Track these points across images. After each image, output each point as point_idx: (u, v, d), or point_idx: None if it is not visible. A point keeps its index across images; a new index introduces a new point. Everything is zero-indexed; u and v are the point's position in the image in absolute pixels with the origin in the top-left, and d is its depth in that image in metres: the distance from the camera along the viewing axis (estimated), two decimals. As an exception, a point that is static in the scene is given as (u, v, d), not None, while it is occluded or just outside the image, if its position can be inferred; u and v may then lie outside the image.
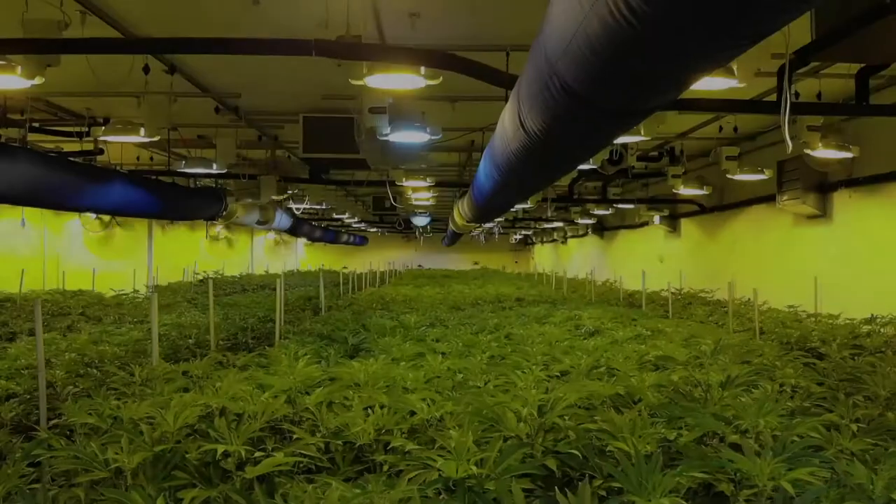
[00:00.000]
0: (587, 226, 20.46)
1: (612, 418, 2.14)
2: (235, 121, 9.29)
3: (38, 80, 4.64)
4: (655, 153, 11.94)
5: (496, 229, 26.04)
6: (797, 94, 7.58)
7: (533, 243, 34.78)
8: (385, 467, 2.12)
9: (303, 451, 2.08)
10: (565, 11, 1.80)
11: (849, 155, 7.46)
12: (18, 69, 4.51)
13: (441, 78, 4.55)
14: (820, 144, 7.29)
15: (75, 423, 2.54)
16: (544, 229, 26.38)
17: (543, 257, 32.14)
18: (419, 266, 29.13)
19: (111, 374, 3.99)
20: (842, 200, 9.15)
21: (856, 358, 4.12)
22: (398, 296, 10.50)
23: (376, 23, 5.80)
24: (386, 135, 6.23)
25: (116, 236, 17.71)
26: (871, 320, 5.96)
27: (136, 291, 11.55)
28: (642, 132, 6.18)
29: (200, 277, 15.08)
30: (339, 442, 2.29)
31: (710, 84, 4.31)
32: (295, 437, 2.23)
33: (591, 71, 1.89)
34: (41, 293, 11.31)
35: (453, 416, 2.37)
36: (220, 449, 1.96)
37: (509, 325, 6.00)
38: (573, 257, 25.70)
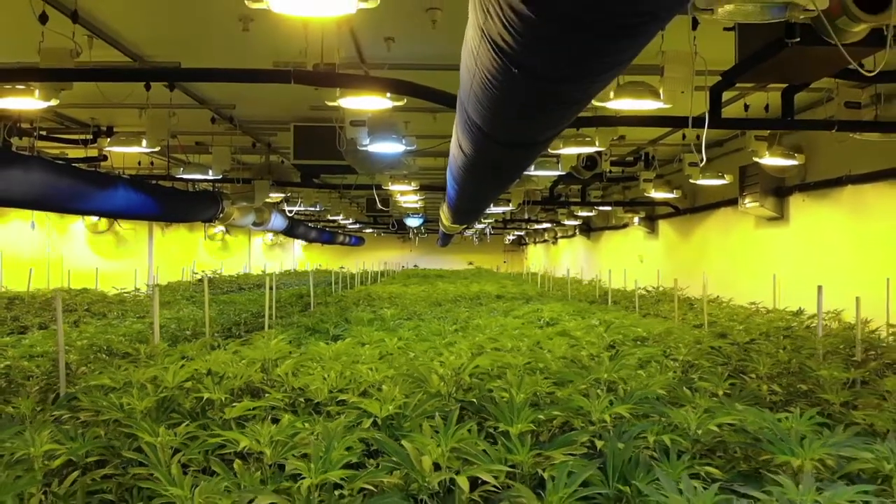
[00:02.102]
0: (574, 227, 21.11)
1: (509, 379, 2.79)
2: (231, 129, 9.93)
3: (53, 102, 5.28)
4: (631, 158, 12.58)
5: (488, 230, 26.67)
6: (746, 107, 8.25)
7: (526, 244, 35.44)
8: (335, 415, 2.76)
9: (271, 403, 2.72)
10: (464, 71, 2.43)
11: (794, 162, 8.10)
12: (36, 92, 5.14)
13: (405, 99, 5.19)
14: (767, 153, 7.93)
15: (91, 389, 3.18)
16: (536, 230, 27.02)
17: (536, 257, 32.81)
18: (415, 266, 29.78)
19: (119, 355, 4.64)
20: (797, 204, 9.80)
21: (755, 343, 4.76)
22: (384, 293, 11.13)
23: (356, 47, 6.46)
24: (365, 146, 6.86)
25: (118, 237, 18.32)
26: (798, 313, 6.60)
27: (136, 290, 12.18)
28: (597, 143, 6.81)
29: (199, 277, 15.70)
30: (302, 399, 2.93)
31: (640, 105, 4.95)
32: (266, 395, 2.88)
33: (484, 115, 2.53)
34: (47, 291, 11.94)
35: (392, 380, 3.01)
36: (206, 395, 2.62)
37: (478, 318, 6.63)
38: (563, 257, 26.37)
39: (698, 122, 4.86)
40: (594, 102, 5.28)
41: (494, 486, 2.03)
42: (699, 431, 2.38)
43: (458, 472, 2.00)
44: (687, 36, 5.01)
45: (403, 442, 2.13)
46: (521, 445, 2.12)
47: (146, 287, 13.64)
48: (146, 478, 2.10)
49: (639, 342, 4.60)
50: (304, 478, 1.92)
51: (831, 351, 5.15)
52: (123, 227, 18.09)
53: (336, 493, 1.94)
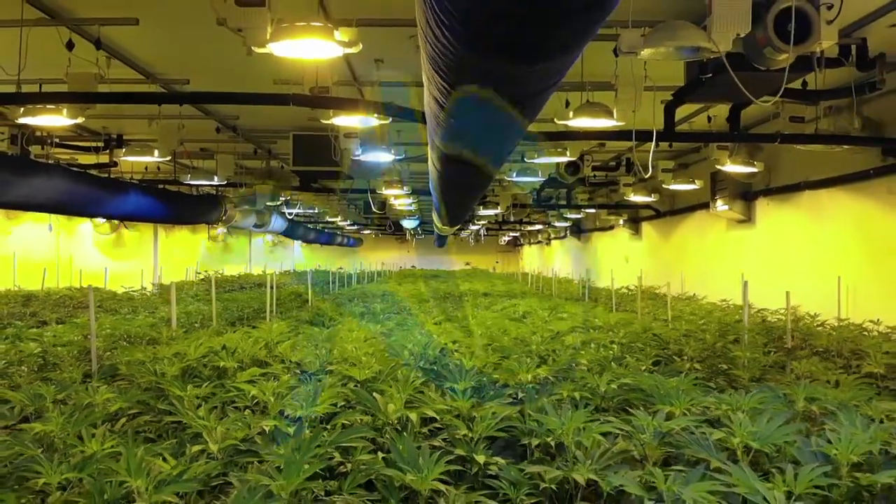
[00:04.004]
0: (565, 228, 21.80)
1: (463, 352, 3.49)
2: (234, 137, 10.63)
3: (80, 120, 5.97)
4: (613, 163, 13.27)
5: (482, 231, 27.36)
6: (710, 119, 8.95)
7: (522, 245, 36.15)
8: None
9: (274, 372, 3.41)
10: (426, 109, 3.10)
11: (753, 169, 8.79)
12: (64, 111, 5.83)
13: (391, 119, 5.88)
14: (728, 161, 8.63)
15: (126, 363, 3.88)
16: (530, 231, 27.70)
17: (531, 258, 33.51)
18: (413, 266, 30.45)
19: (138, 342, 5.33)
20: (762, 207, 10.49)
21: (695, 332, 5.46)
22: (378, 291, 11.82)
23: (349, 67, 7.16)
24: (358, 156, 7.55)
25: (124, 239, 18.99)
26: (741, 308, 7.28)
27: (143, 289, 12.86)
28: (569, 153, 7.52)
29: (202, 276, 16.37)
30: (298, 370, 3.62)
31: (596, 123, 5.65)
32: (269, 366, 3.57)
33: (443, 143, 3.21)
34: (60, 290, 12.63)
35: (372, 355, 3.70)
36: (222, 364, 3.31)
37: (458, 312, 7.33)
38: (556, 258, 27.07)
39: (646, 136, 5.55)
40: (557, 121, 5.99)
41: (440, 425, 2.72)
42: (603, 389, 3.07)
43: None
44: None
45: (374, 394, 2.82)
46: (463, 396, 2.81)
47: (151, 286, 14.32)
48: (178, 421, 2.79)
49: (594, 330, 5.28)
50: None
51: (772, 339, 5.84)
52: (129, 229, 18.76)
53: (321, 427, 2.62)
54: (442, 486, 2.10)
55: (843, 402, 2.88)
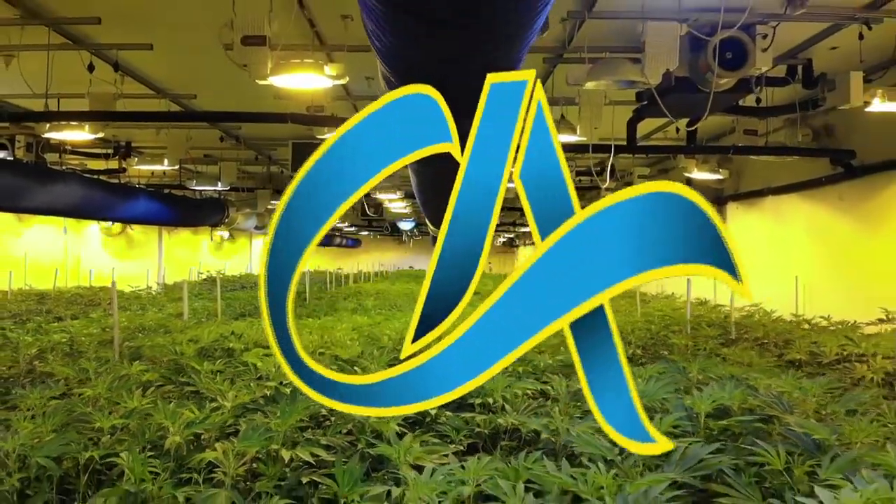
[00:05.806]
0: (556, 230, 22.45)
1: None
2: (236, 145, 11.34)
3: (100, 135, 6.66)
4: (598, 168, 13.96)
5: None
6: (678, 130, 9.65)
7: (517, 245, 36.82)
8: (315, 362, 4.13)
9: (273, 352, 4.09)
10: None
11: (719, 176, 9.49)
12: (86, 127, 6.52)
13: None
14: (696, 169, 9.33)
15: (148, 347, 4.57)
16: (525, 233, 28.33)
17: (527, 258, 34.15)
18: (410, 267, 31.14)
19: (153, 332, 6.02)
20: (732, 211, 11.19)
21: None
22: (373, 290, 12.51)
23: (344, 84, 7.86)
24: (351, 164, 8.24)
25: (129, 240, 19.69)
26: (702, 303, 7.98)
27: (149, 288, 13.54)
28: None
29: (204, 276, 17.03)
30: (294, 352, 4.32)
31: (561, 139, 6.33)
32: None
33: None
34: (70, 289, 13.31)
35: (357, 340, 4.40)
36: (231, 345, 4.00)
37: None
38: (549, 259, 27.69)
39: (604, 149, 6.24)
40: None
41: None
42: (542, 365, 3.77)
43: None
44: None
45: (355, 367, 3.52)
46: (425, 369, 3.50)
47: (156, 285, 15.00)
48: (197, 390, 3.48)
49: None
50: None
51: (724, 332, 6.52)
52: (135, 230, 19.44)
53: (311, 392, 3.31)
54: (399, 429, 2.79)
55: (733, 374, 3.57)
